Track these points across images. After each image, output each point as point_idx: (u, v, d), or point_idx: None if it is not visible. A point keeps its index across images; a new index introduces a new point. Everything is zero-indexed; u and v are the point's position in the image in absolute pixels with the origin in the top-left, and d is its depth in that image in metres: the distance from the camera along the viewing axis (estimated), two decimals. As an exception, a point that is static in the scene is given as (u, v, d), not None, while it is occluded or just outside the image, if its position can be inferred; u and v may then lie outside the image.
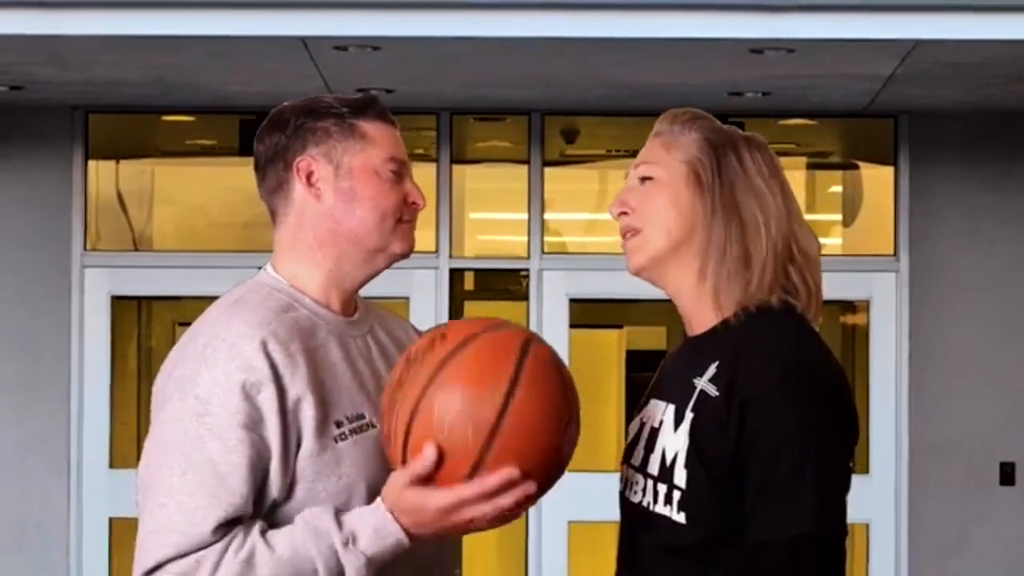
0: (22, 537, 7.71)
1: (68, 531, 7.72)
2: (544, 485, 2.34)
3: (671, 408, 2.46)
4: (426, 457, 2.31)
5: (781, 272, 2.46)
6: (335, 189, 2.55)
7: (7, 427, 7.75)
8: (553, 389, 2.31)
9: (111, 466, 7.75)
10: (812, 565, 2.33)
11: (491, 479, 2.29)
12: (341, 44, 6.23)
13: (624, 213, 2.52)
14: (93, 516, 7.73)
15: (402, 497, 2.37)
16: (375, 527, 2.38)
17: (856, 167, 8.23)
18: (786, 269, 2.47)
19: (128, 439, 7.75)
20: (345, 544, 2.38)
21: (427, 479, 2.33)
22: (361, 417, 2.51)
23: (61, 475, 7.74)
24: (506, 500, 2.31)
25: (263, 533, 2.39)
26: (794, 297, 2.47)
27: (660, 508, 2.43)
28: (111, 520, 7.70)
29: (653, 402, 2.53)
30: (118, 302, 7.89)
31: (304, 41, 6.19)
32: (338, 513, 2.40)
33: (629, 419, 2.62)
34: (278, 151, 2.57)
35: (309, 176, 2.56)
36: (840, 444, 2.39)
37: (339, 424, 2.48)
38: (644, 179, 2.52)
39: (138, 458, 2.50)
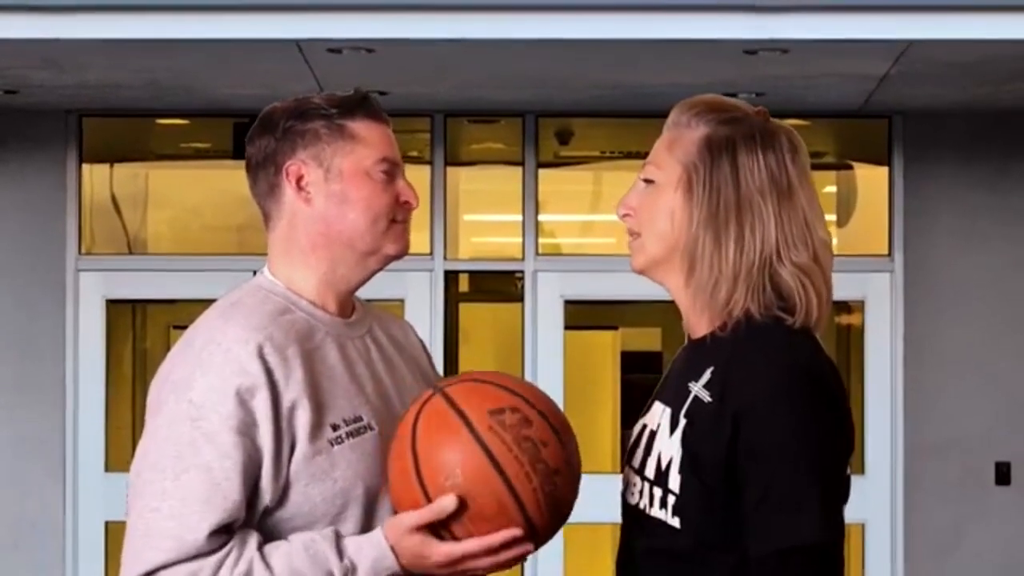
0: (19, 537, 7.71)
1: (64, 534, 7.71)
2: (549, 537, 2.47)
3: (668, 412, 2.45)
4: (444, 507, 2.32)
5: (764, 284, 2.44)
6: (326, 193, 2.54)
7: (3, 429, 7.74)
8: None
9: (106, 469, 7.74)
10: (811, 574, 2.32)
11: (495, 537, 2.34)
12: (335, 47, 6.23)
13: (627, 215, 2.53)
14: (88, 519, 7.72)
15: (405, 538, 2.37)
16: (374, 559, 2.38)
17: (850, 167, 8.23)
18: (777, 279, 2.45)
19: (123, 442, 7.74)
20: None
21: (435, 528, 2.35)
22: (359, 419, 2.49)
23: (57, 478, 7.73)
24: (506, 555, 2.37)
25: (260, 549, 2.38)
26: (789, 309, 2.44)
27: (656, 512, 2.43)
28: (107, 524, 7.69)
29: (655, 404, 2.52)
30: (113, 305, 7.88)
31: (298, 44, 6.19)
32: (338, 540, 2.40)
33: (633, 420, 2.62)
34: (268, 155, 2.55)
35: (299, 180, 2.54)
36: (837, 451, 2.38)
37: (335, 427, 2.46)
38: (647, 181, 2.52)
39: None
